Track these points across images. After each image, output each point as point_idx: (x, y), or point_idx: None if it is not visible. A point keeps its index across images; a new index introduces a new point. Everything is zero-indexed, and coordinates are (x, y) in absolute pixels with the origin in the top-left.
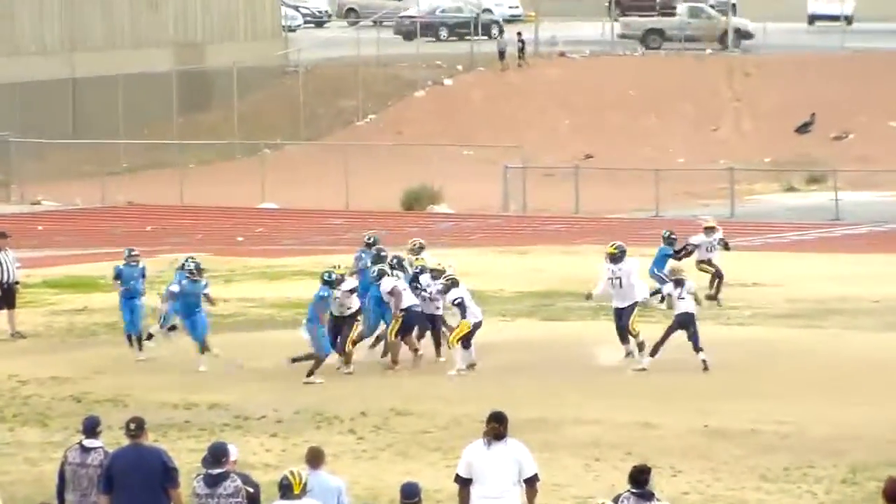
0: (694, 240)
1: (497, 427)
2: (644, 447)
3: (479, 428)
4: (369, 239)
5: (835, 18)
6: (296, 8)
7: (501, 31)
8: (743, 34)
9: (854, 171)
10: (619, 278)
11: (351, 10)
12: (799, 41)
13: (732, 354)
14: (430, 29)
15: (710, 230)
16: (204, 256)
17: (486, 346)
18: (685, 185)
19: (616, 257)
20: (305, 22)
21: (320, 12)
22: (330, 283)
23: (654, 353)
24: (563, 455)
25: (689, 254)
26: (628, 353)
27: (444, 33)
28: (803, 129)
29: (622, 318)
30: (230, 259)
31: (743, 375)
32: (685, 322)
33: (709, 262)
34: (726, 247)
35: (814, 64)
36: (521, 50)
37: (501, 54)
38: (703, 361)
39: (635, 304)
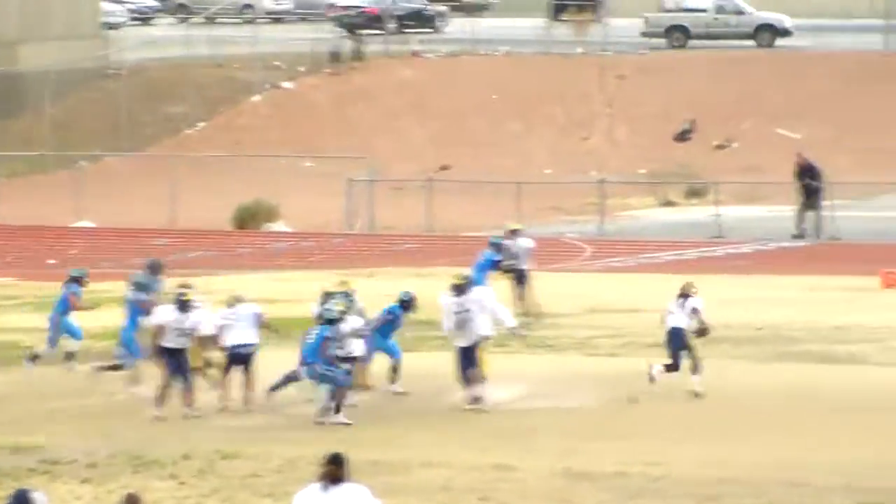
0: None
1: (335, 469)
2: (500, 491)
3: (315, 471)
4: None
5: None
6: (119, 3)
7: (340, 33)
8: (779, 31)
9: (738, 183)
10: (468, 310)
11: (181, 5)
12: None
13: (599, 389)
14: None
15: (514, 233)
16: (10, 282)
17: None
18: (551, 199)
19: (462, 288)
20: (130, 19)
21: (147, 8)
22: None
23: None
24: (409, 500)
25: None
26: (475, 399)
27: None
28: (682, 136)
29: (468, 359)
30: (41, 284)
31: (611, 412)
32: (676, 337)
33: (513, 270)
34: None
35: (694, 65)
36: (358, 50)
37: (335, 55)
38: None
39: (482, 338)
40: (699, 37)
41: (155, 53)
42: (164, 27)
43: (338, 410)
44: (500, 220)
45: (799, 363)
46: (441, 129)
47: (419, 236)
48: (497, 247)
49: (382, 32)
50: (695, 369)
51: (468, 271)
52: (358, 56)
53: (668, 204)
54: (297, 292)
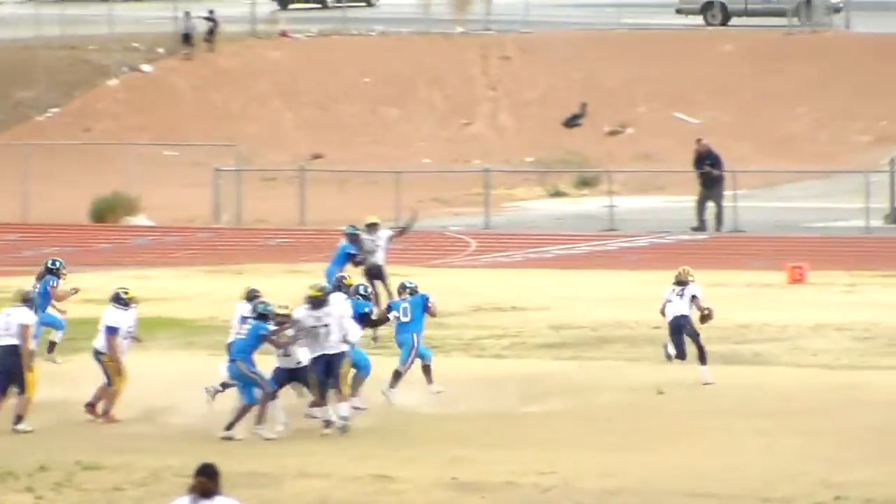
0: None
1: (206, 482)
2: None
3: (184, 483)
4: None
5: None
6: None
7: (187, 13)
8: (832, 7)
9: (633, 172)
10: (327, 325)
11: None
12: (567, 16)
13: (487, 393)
14: None
15: (372, 227)
16: None
17: (194, 385)
18: (432, 189)
19: (319, 301)
20: None
21: None
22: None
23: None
24: None
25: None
26: (328, 423)
27: None
28: (572, 122)
29: (325, 373)
30: None
31: (499, 419)
32: (680, 326)
33: (369, 266)
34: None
35: (584, 44)
36: (212, 32)
37: (186, 37)
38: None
39: (343, 353)
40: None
41: (1, 34)
42: (11, 5)
43: (230, 428)
44: (377, 212)
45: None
46: (313, 116)
47: (291, 230)
48: (353, 238)
49: (318, 6)
50: (702, 358)
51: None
52: (210, 37)
53: (558, 194)
54: (162, 290)
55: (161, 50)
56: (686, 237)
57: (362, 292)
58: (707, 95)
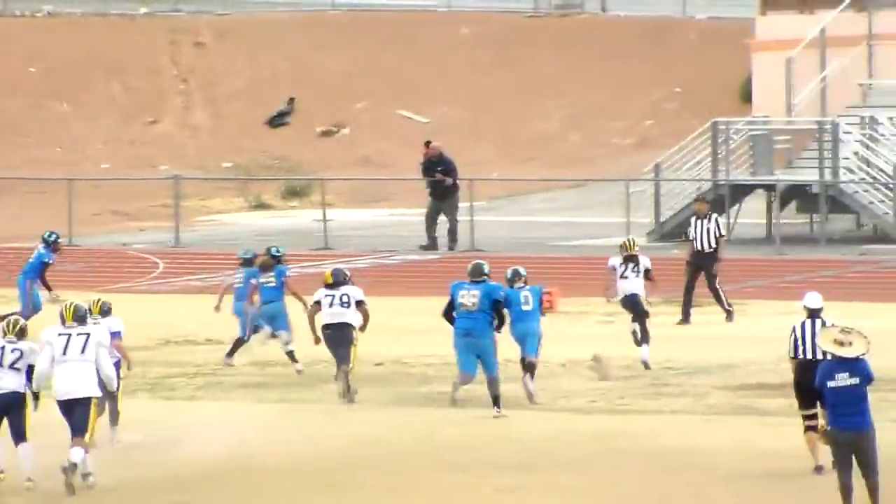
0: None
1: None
2: None
3: None
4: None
5: None
6: None
7: None
8: None
9: (350, 180)
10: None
11: None
12: None
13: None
14: None
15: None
16: None
17: None
18: (112, 200)
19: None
20: None
21: None
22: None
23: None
24: None
25: None
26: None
27: None
28: (278, 120)
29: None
30: None
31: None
32: (632, 304)
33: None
34: None
35: (293, 29)
36: None
37: None
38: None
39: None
40: None
41: None
42: None
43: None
44: (47, 225)
45: (430, 408)
46: None
47: None
48: (52, 245)
49: None
50: (645, 338)
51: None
52: None
53: (262, 206)
54: None
55: None
56: (414, 257)
57: None
58: (439, 89)
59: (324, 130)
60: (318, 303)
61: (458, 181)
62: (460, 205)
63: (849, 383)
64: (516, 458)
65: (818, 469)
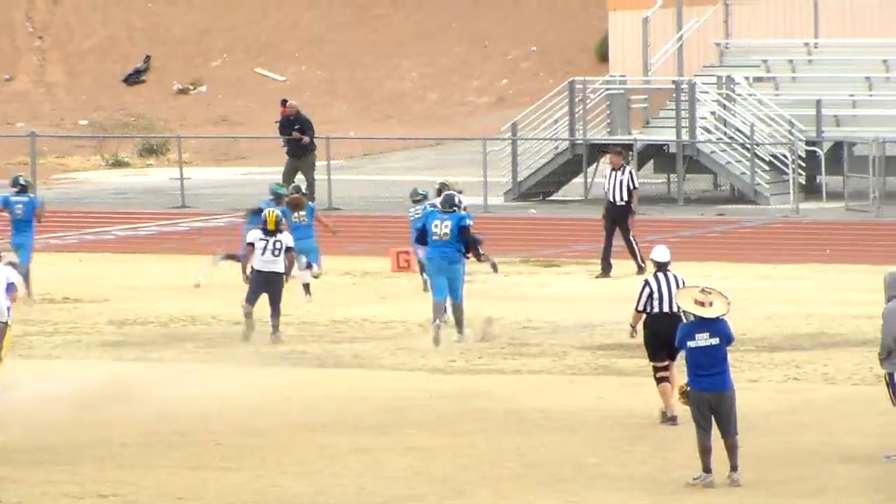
0: None
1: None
2: None
3: None
4: None
5: None
6: None
7: None
8: None
9: (207, 138)
10: None
11: None
12: None
13: (39, 401)
14: None
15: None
16: None
17: None
18: None
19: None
20: None
21: None
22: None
23: None
24: None
25: None
26: None
27: None
28: (135, 77)
29: None
30: None
31: (52, 432)
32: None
33: None
34: None
35: None
36: None
37: None
38: None
39: None
40: None
41: None
42: None
43: None
44: None
45: (293, 367)
46: None
47: None
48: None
49: None
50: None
51: None
52: None
53: (119, 164)
54: None
55: None
56: None
57: None
58: (295, 46)
59: (180, 88)
60: (251, 244)
61: (315, 139)
62: (318, 163)
63: (709, 343)
64: (374, 419)
65: (672, 419)
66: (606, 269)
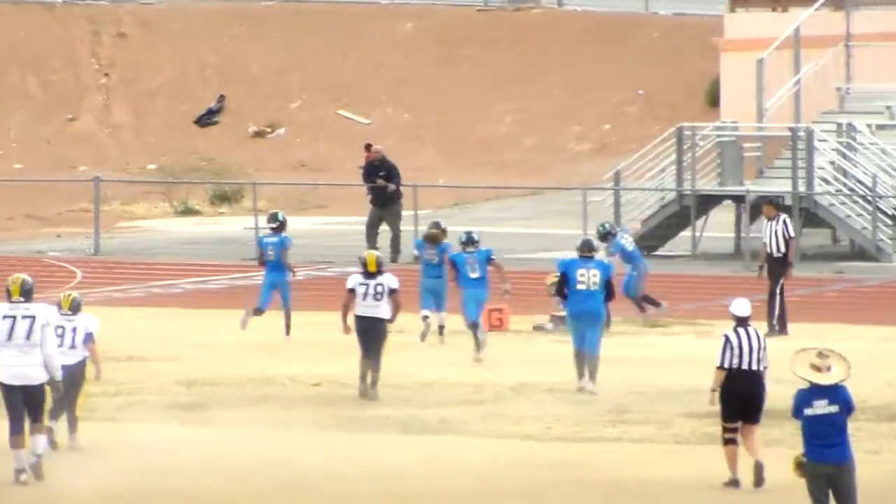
0: None
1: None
2: None
3: None
4: None
5: None
6: None
7: None
8: None
9: (285, 185)
10: None
11: None
12: None
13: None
14: None
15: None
16: None
17: None
18: (26, 204)
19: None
20: None
21: None
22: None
23: None
24: None
25: None
26: None
27: None
28: (207, 119)
29: None
30: None
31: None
32: None
33: None
34: None
35: (223, 20)
36: None
37: None
38: None
39: None
40: None
41: None
42: None
43: None
44: None
45: (374, 433)
46: None
47: None
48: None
49: None
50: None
51: None
52: None
53: (188, 212)
54: None
55: None
56: (354, 269)
57: None
58: (380, 87)
59: (256, 131)
60: (352, 291)
61: (401, 187)
62: (404, 213)
63: (828, 411)
64: (468, 487)
65: (734, 483)
66: (782, 328)
